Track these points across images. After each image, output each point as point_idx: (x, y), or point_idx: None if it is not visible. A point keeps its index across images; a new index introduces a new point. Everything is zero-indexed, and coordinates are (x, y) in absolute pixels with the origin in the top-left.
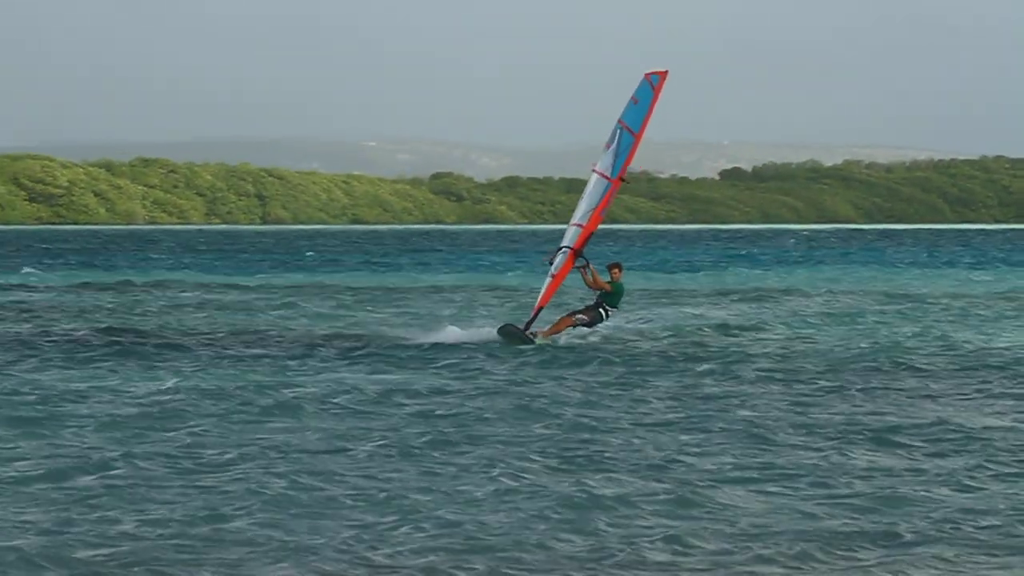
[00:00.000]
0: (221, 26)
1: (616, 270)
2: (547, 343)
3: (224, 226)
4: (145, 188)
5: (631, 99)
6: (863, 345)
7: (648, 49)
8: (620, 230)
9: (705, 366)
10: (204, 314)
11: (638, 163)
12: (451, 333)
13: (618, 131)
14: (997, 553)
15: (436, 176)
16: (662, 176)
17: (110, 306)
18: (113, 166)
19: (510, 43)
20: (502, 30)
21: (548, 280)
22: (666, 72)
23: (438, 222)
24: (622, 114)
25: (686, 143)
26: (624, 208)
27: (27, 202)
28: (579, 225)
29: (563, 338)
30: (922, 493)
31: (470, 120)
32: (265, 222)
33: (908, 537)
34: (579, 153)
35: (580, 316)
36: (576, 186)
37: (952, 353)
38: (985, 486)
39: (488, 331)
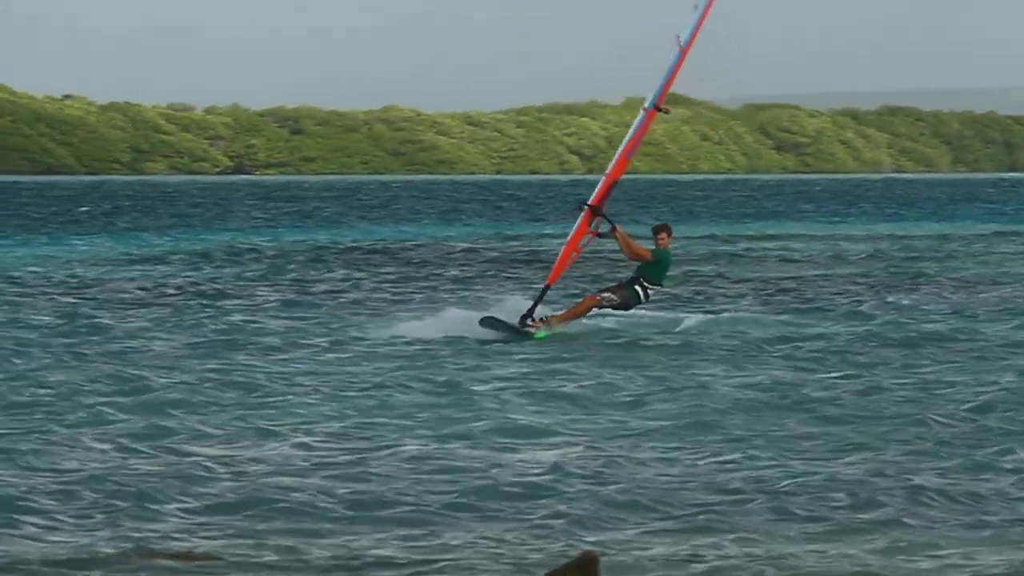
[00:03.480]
0: None
1: (663, 234)
2: (558, 331)
3: (969, 174)
4: (891, 137)
5: (693, 4)
6: None
7: None
8: None
9: None
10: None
11: None
12: None
13: (675, 48)
14: None
15: None
16: None
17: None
18: (859, 115)
19: None
20: None
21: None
22: None
23: None
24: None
25: None
26: None
27: (774, 151)
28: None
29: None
30: None
31: None
32: (1012, 170)
33: None
34: None
35: (607, 295)
36: None
37: None
38: None
39: None
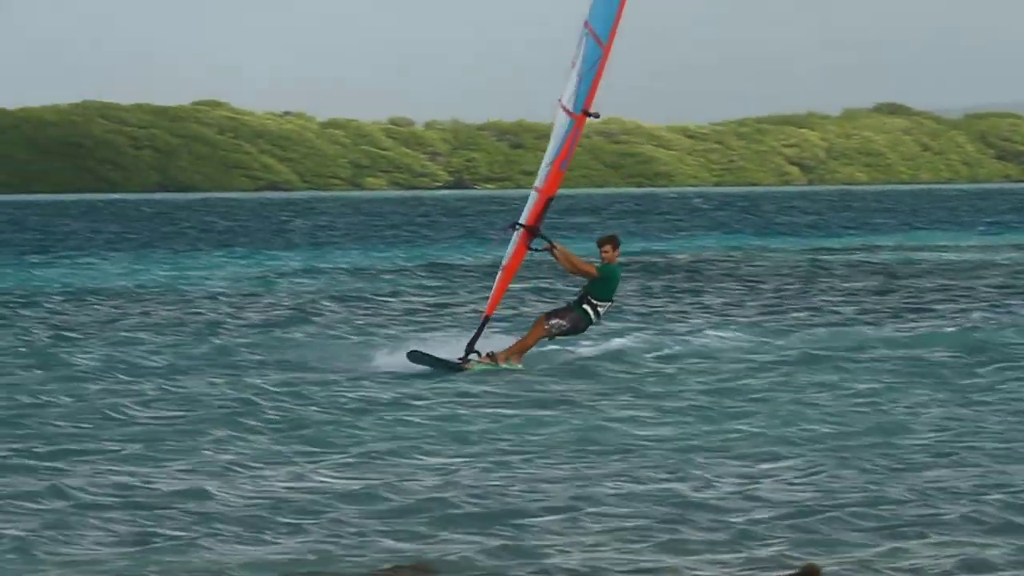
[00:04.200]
0: None
1: (608, 247)
2: (514, 368)
3: None
4: None
5: None
6: None
7: None
8: None
9: None
10: None
11: None
12: None
13: (584, 39)
14: None
15: None
16: None
17: None
18: None
19: None
20: None
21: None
22: None
23: None
24: (589, 12)
25: None
26: None
27: (996, 160)
28: (538, 189)
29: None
30: None
31: None
32: None
33: None
34: None
35: (555, 322)
36: None
37: None
38: None
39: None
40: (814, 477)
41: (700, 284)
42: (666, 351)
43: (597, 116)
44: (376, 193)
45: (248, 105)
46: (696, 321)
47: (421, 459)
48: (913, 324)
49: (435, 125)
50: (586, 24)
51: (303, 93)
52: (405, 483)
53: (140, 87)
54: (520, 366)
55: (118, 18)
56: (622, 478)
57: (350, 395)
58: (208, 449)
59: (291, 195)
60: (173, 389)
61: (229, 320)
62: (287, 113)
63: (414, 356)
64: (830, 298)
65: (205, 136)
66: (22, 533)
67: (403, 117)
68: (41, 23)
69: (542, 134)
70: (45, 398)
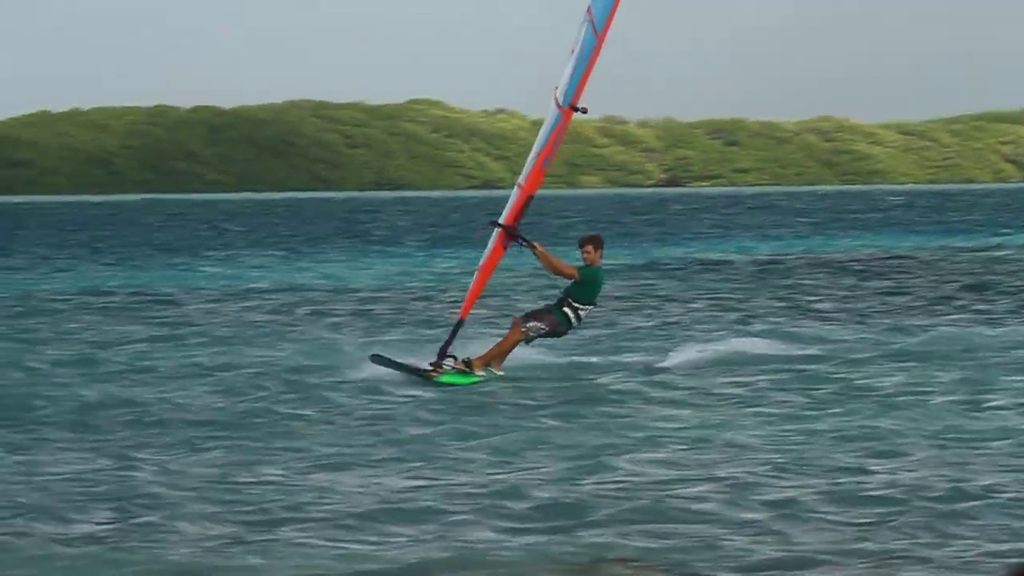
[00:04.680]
0: None
1: (590, 247)
2: (492, 375)
3: None
4: None
5: None
6: None
7: None
8: None
9: None
10: None
11: None
12: None
13: (584, 25)
14: None
15: None
16: None
17: None
18: None
19: None
20: None
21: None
22: None
23: None
24: None
25: None
26: None
27: None
28: (521, 186)
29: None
30: None
31: None
32: None
33: None
34: None
35: (533, 324)
36: None
37: None
38: None
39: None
40: (937, 473)
41: (849, 282)
42: (801, 350)
43: (585, 111)
44: (589, 191)
45: (458, 103)
46: (835, 319)
47: (539, 459)
48: None
49: (648, 123)
50: (588, 10)
51: (513, 90)
52: (529, 481)
53: (349, 84)
54: (500, 373)
55: (325, 11)
56: (752, 474)
57: (488, 391)
58: (335, 446)
59: (497, 193)
60: (296, 385)
61: (365, 318)
62: (500, 111)
63: (376, 359)
64: (990, 298)
65: (419, 135)
66: (126, 526)
67: (616, 116)
68: (253, 21)
69: (754, 132)
70: (155, 394)
